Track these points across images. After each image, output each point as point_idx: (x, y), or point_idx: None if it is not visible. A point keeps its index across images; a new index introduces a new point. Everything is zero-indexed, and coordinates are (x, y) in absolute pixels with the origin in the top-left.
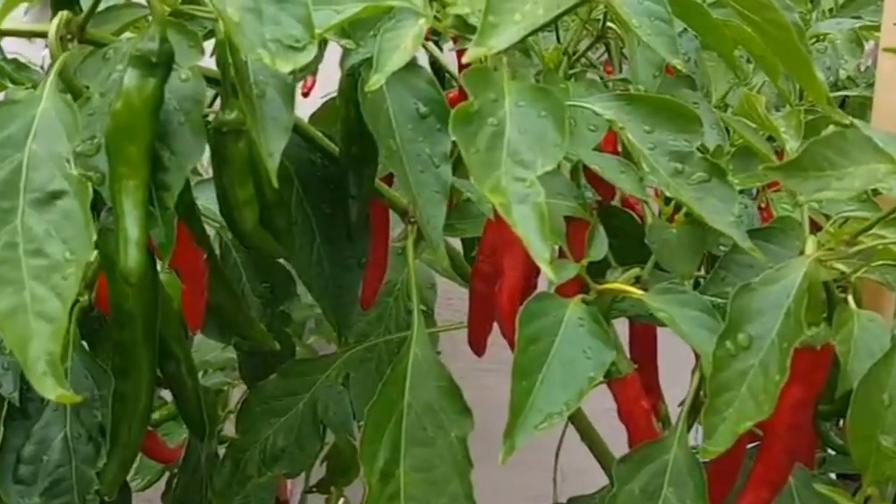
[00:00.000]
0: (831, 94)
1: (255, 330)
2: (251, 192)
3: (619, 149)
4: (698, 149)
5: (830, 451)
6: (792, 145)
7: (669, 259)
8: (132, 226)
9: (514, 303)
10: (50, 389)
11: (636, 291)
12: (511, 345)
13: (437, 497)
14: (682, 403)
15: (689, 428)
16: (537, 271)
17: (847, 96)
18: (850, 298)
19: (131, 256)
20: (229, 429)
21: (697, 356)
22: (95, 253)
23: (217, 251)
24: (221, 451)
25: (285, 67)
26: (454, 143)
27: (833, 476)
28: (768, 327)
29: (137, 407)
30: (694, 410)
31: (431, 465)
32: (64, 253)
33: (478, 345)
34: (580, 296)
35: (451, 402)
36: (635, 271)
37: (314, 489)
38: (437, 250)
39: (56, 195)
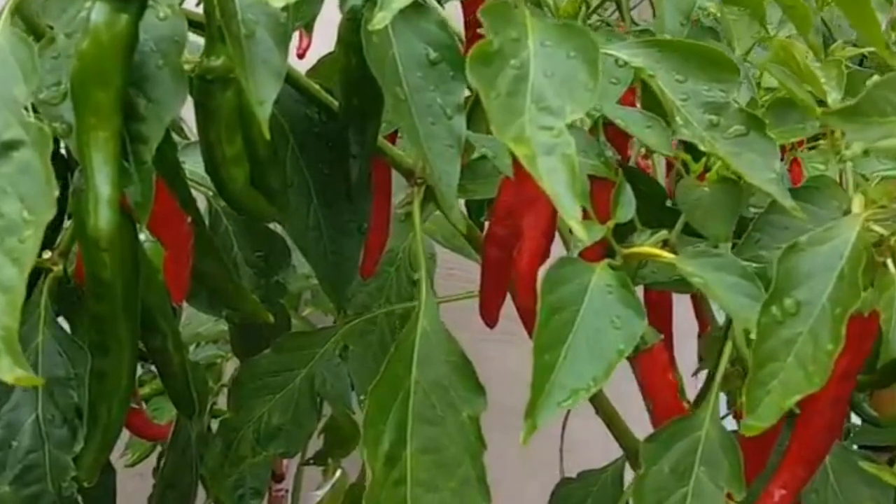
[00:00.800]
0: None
1: (247, 301)
2: (240, 147)
3: (638, 105)
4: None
5: (855, 421)
6: (834, 97)
7: (702, 220)
8: (103, 183)
9: (534, 268)
10: (6, 370)
11: (667, 255)
12: (525, 314)
13: (446, 480)
14: (695, 373)
15: None
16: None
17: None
18: (890, 263)
19: (102, 217)
20: (222, 402)
21: (703, 325)
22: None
23: (206, 220)
24: (215, 424)
25: (278, 1)
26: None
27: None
28: (818, 291)
29: (118, 385)
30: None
31: (441, 446)
32: (21, 212)
33: (491, 315)
34: (606, 260)
35: (463, 378)
36: (662, 234)
37: (311, 461)
38: (452, 211)
39: (11, 146)
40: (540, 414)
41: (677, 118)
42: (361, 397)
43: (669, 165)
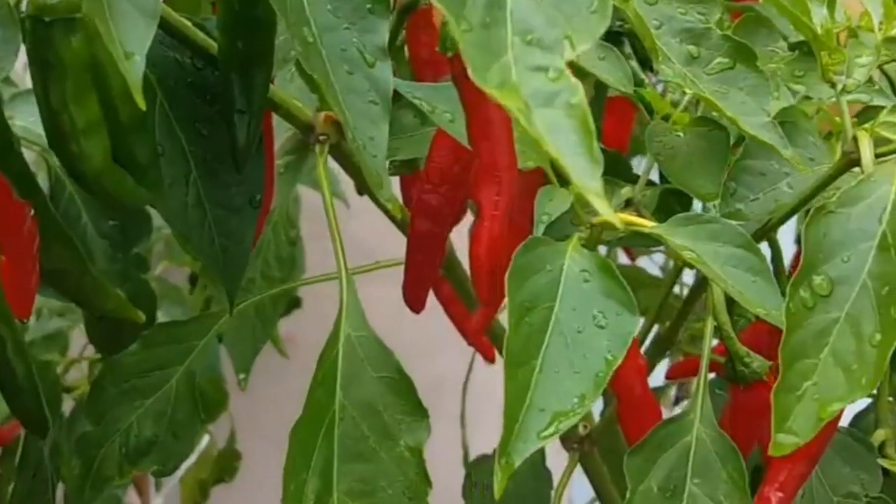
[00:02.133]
0: None
1: (109, 298)
2: (96, 113)
3: None
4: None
5: None
6: (821, 14)
7: (681, 174)
8: None
9: (494, 255)
10: None
11: (648, 224)
12: (486, 316)
13: None
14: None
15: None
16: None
17: None
18: None
19: None
20: (73, 376)
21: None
22: None
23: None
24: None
25: None
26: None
27: None
28: (856, 266)
29: None
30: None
31: (375, 488)
32: None
33: (417, 300)
34: (576, 235)
35: (400, 397)
36: (626, 191)
37: None
38: (381, 189)
39: None
40: (515, 448)
41: (659, 55)
42: (241, 375)
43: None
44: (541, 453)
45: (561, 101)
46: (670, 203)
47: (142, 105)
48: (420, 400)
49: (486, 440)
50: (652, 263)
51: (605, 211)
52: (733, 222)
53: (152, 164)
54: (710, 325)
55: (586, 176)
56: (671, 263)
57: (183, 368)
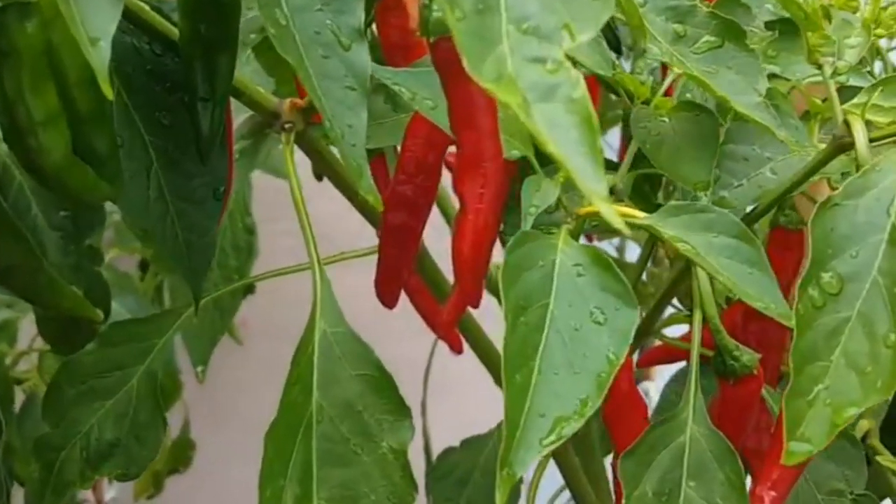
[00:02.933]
0: None
1: (65, 296)
2: (55, 103)
3: None
4: None
5: None
6: None
7: (670, 162)
8: None
9: (479, 251)
10: None
11: (639, 214)
12: (471, 305)
13: None
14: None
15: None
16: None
17: None
18: None
19: None
20: (22, 367)
21: None
22: None
23: None
24: None
25: None
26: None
27: None
28: (865, 261)
29: None
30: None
31: (357, 494)
32: None
33: (390, 295)
34: (564, 226)
35: (381, 396)
36: (609, 178)
37: None
38: (360, 179)
39: None
40: (517, 458)
41: (646, 33)
42: (199, 368)
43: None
44: None
45: (561, 96)
46: (643, 188)
47: (109, 94)
48: (402, 398)
49: (447, 429)
50: (609, 246)
51: (613, 218)
52: (727, 211)
53: (112, 156)
54: (697, 317)
55: (590, 178)
56: (627, 245)
57: (143, 368)
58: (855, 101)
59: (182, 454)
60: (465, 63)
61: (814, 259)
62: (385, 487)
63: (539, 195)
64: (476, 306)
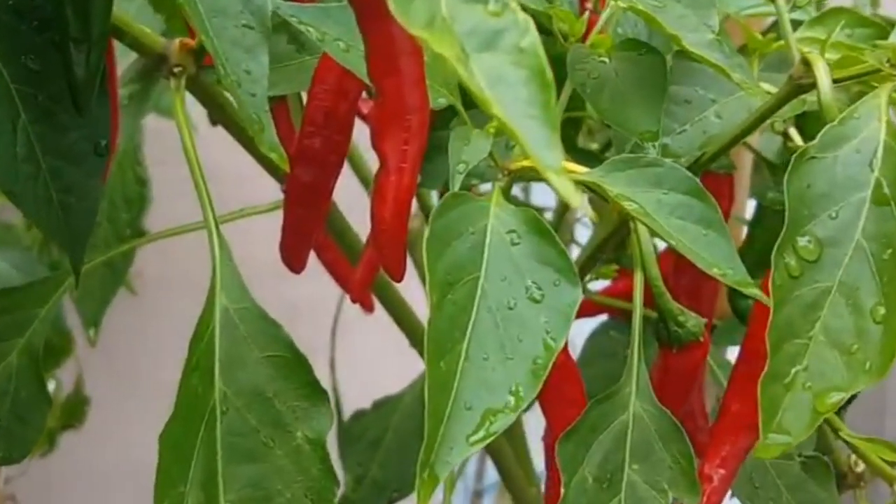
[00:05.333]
0: None
1: None
2: None
3: None
4: None
5: None
6: None
7: (611, 109)
8: None
9: (401, 215)
10: None
11: (579, 169)
12: (393, 278)
13: None
14: None
15: None
16: None
17: None
18: None
19: None
20: None
21: None
22: None
23: None
24: None
25: None
26: None
27: None
28: (846, 223)
29: None
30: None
31: (270, 493)
32: None
33: (297, 258)
34: (497, 185)
35: (293, 381)
36: None
37: None
38: (261, 133)
39: None
40: (440, 458)
41: None
42: (90, 331)
43: None
44: None
45: (507, 44)
46: (568, 132)
47: None
48: (317, 381)
49: (355, 382)
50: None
51: (570, 195)
52: (679, 165)
53: None
54: (639, 278)
55: (542, 147)
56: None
57: (23, 342)
58: (799, 34)
59: (76, 410)
60: (390, 6)
61: (789, 222)
62: (301, 483)
63: (468, 150)
64: (399, 280)
